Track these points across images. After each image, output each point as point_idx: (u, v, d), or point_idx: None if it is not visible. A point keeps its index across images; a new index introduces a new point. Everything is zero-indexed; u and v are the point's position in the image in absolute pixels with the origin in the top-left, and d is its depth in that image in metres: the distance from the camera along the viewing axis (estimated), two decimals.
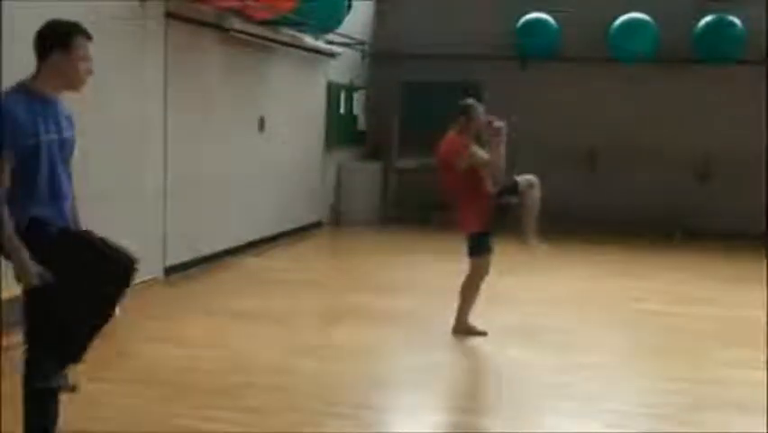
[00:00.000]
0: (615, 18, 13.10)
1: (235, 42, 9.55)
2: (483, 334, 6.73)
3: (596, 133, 13.60)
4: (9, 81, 3.86)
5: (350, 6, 11.33)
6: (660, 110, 13.46)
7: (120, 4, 7.53)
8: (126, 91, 7.66)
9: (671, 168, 13.42)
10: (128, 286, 3.85)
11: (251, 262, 9.92)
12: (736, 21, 12.74)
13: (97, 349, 3.96)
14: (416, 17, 14.07)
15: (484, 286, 6.78)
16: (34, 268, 3.55)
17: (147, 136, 8.14)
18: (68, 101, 3.89)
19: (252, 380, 5.47)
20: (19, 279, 3.61)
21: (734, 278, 9.81)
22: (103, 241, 3.82)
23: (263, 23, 9.78)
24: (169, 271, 8.57)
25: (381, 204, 13.91)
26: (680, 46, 13.02)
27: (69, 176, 3.85)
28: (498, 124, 6.55)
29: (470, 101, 6.75)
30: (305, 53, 11.59)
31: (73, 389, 3.88)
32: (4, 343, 5.05)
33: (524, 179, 6.69)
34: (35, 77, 3.70)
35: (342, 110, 13.35)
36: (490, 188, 6.66)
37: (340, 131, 13.23)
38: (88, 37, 3.75)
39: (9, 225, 3.53)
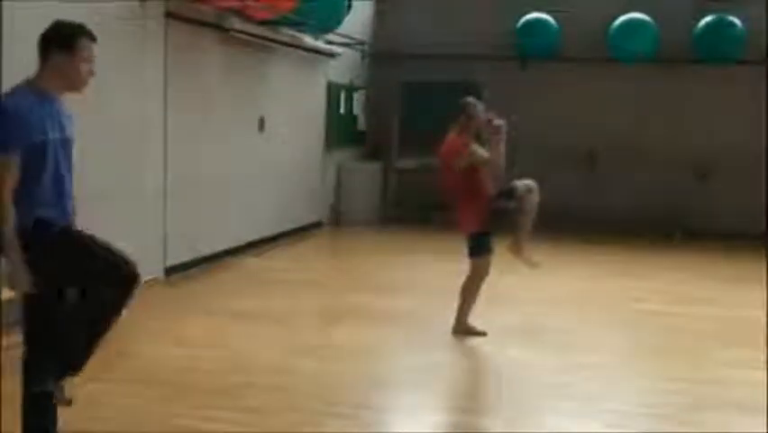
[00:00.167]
0: (615, 18, 13.10)
1: (235, 42, 9.55)
2: (483, 334, 6.73)
3: (596, 133, 13.60)
4: (9, 81, 3.87)
5: (350, 6, 11.32)
6: (660, 110, 13.46)
7: (120, 4, 7.52)
8: (126, 91, 7.65)
9: (670, 168, 13.42)
10: (130, 294, 3.84)
11: (251, 262, 9.92)
12: (736, 21, 12.74)
13: (98, 348, 3.96)
14: (415, 17, 14.06)
15: (484, 286, 6.78)
16: (27, 275, 3.56)
17: (147, 136, 8.14)
18: (69, 101, 3.90)
19: (252, 380, 5.47)
20: (11, 283, 3.61)
21: (734, 278, 9.81)
22: (106, 247, 3.82)
23: (263, 23, 9.78)
24: (170, 271, 8.57)
25: (381, 204, 13.91)
26: (680, 46, 13.02)
27: (71, 180, 3.86)
28: (498, 122, 6.55)
29: (470, 99, 6.76)
30: (305, 53, 11.59)
31: (69, 402, 3.86)
32: (4, 343, 5.06)
33: (522, 183, 6.67)
34: (38, 76, 3.71)
35: (342, 110, 13.35)
36: (490, 188, 6.66)
37: (340, 131, 13.23)
38: (93, 38, 3.76)
39: (12, 228, 3.54)
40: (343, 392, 5.37)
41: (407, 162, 14.23)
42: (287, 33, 10.71)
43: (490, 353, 6.51)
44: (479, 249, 6.66)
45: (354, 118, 13.92)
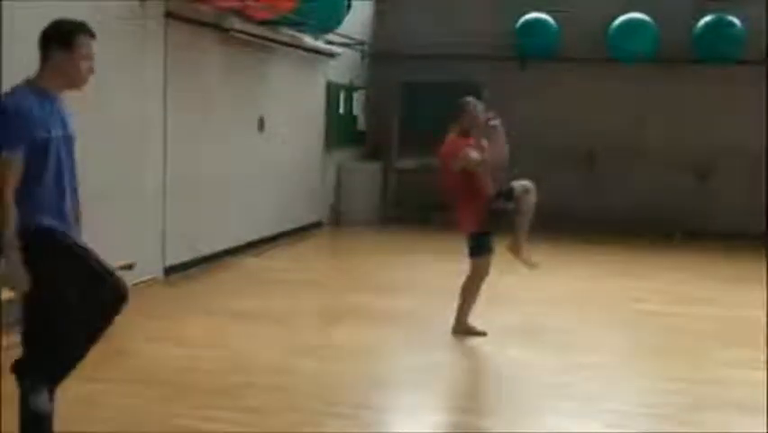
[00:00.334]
0: (614, 18, 13.11)
1: (235, 42, 9.55)
2: (483, 334, 6.73)
3: (595, 133, 13.60)
4: (9, 81, 3.87)
5: (349, 6, 11.32)
6: (659, 110, 13.46)
7: (120, 4, 7.52)
8: (126, 91, 7.65)
9: (670, 168, 13.41)
10: (116, 312, 3.84)
11: (250, 262, 9.91)
12: (736, 21, 12.74)
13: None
14: (415, 17, 14.06)
15: (484, 286, 6.77)
16: (27, 274, 3.56)
17: (146, 136, 8.14)
18: (68, 100, 3.91)
19: (252, 380, 5.47)
20: (10, 283, 3.60)
21: (734, 278, 9.81)
22: (100, 264, 3.81)
23: (263, 23, 9.78)
24: (169, 271, 8.57)
25: (381, 204, 13.91)
26: (679, 46, 13.02)
27: (74, 176, 3.86)
28: (494, 122, 6.55)
29: (470, 99, 6.77)
30: (304, 53, 11.59)
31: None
32: (4, 343, 5.05)
33: (519, 184, 6.68)
34: (38, 75, 3.72)
35: (341, 110, 13.34)
36: (490, 188, 6.66)
37: (340, 131, 13.23)
38: (92, 36, 3.76)
39: (14, 227, 3.54)
40: (343, 392, 5.37)
41: (407, 162, 14.24)
42: (286, 33, 10.71)
43: (490, 353, 6.51)
44: (478, 249, 6.66)
45: (354, 118, 13.92)
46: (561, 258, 10.73)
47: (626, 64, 13.13)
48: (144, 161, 8.15)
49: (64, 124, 3.76)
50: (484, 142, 6.57)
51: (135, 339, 6.29)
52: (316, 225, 12.67)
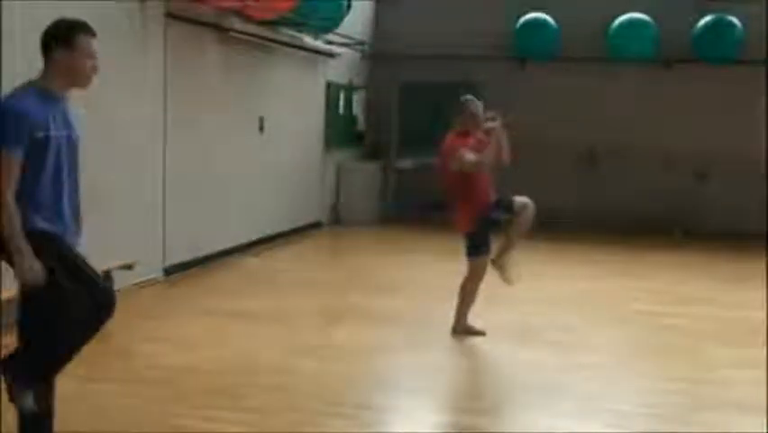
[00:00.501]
0: (614, 18, 13.11)
1: (235, 42, 9.56)
2: (482, 334, 6.73)
3: (595, 133, 13.60)
4: (9, 81, 3.88)
5: (349, 6, 11.33)
6: (659, 110, 13.45)
7: (120, 4, 7.53)
8: (126, 91, 7.66)
9: (670, 167, 13.41)
10: (102, 324, 3.82)
11: (250, 262, 9.92)
12: (735, 21, 12.74)
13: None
14: (415, 17, 14.06)
15: (483, 286, 6.77)
16: (40, 265, 3.56)
17: (146, 136, 8.15)
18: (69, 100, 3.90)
19: (253, 380, 5.47)
20: (23, 276, 3.59)
21: (734, 278, 9.81)
22: (89, 272, 3.80)
23: (263, 23, 9.79)
24: (169, 270, 8.57)
25: (381, 204, 13.91)
26: (679, 46, 13.01)
27: (76, 179, 3.85)
28: (491, 124, 6.54)
29: (470, 96, 6.77)
30: (304, 53, 11.59)
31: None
32: (4, 343, 5.05)
33: (520, 200, 6.71)
34: (42, 76, 3.72)
35: (341, 110, 13.35)
36: (489, 189, 6.66)
37: (339, 131, 13.23)
38: (93, 34, 3.76)
39: (17, 225, 3.54)
40: (344, 392, 5.37)
41: (407, 162, 14.25)
42: (286, 33, 10.71)
43: (490, 352, 6.52)
44: (476, 249, 6.65)
45: (354, 118, 13.92)
46: (560, 258, 10.75)
47: (625, 64, 13.13)
48: (144, 161, 8.16)
49: (68, 125, 3.75)
50: (493, 141, 6.53)
51: (135, 339, 6.30)
52: (316, 225, 12.67)
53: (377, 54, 14.21)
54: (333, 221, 13.31)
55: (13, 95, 3.68)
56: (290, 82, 11.44)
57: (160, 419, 4.68)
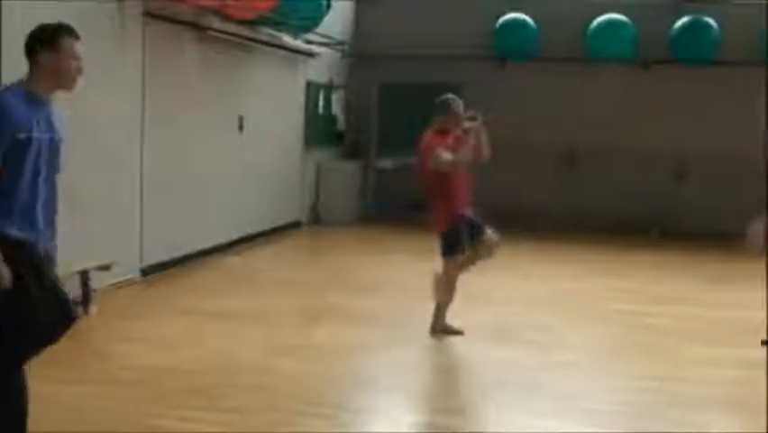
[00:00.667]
0: (592, 18, 13.18)
1: (214, 41, 9.53)
2: (460, 333, 6.75)
3: (575, 133, 13.65)
4: (8, 81, 3.87)
5: (329, 6, 11.33)
6: (637, 110, 13.53)
7: (98, 4, 7.49)
8: (104, 90, 7.60)
9: (649, 167, 13.49)
10: (59, 336, 3.81)
11: (230, 261, 9.89)
12: (712, 22, 12.85)
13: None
14: (395, 17, 14.06)
15: (462, 285, 6.79)
16: (8, 271, 3.54)
17: (124, 135, 8.10)
18: None
19: (231, 380, 5.46)
20: None
21: (713, 278, 9.87)
22: (54, 284, 3.78)
23: (242, 22, 9.76)
24: (147, 270, 8.53)
25: (360, 203, 13.91)
26: (656, 47, 13.10)
27: (54, 184, 3.83)
28: (468, 124, 6.56)
29: (451, 96, 6.77)
30: (284, 53, 11.58)
31: None
32: None
33: (491, 234, 6.76)
34: (27, 80, 3.72)
35: (321, 110, 13.34)
36: (466, 190, 6.68)
37: (319, 130, 13.22)
38: (77, 37, 3.77)
39: None
40: (323, 392, 5.37)
41: (386, 162, 14.25)
42: (266, 33, 10.69)
43: (467, 352, 6.54)
44: (450, 249, 6.66)
45: (334, 118, 13.91)
46: (539, 257, 10.79)
47: (604, 64, 13.21)
48: (122, 160, 8.12)
49: (51, 128, 3.74)
50: (470, 141, 6.54)
51: (112, 340, 6.27)
52: (296, 225, 12.65)
53: (357, 54, 14.21)
54: (313, 220, 13.29)
55: (1, 92, 3.67)
56: (270, 81, 11.42)
57: (135, 419, 4.66)
